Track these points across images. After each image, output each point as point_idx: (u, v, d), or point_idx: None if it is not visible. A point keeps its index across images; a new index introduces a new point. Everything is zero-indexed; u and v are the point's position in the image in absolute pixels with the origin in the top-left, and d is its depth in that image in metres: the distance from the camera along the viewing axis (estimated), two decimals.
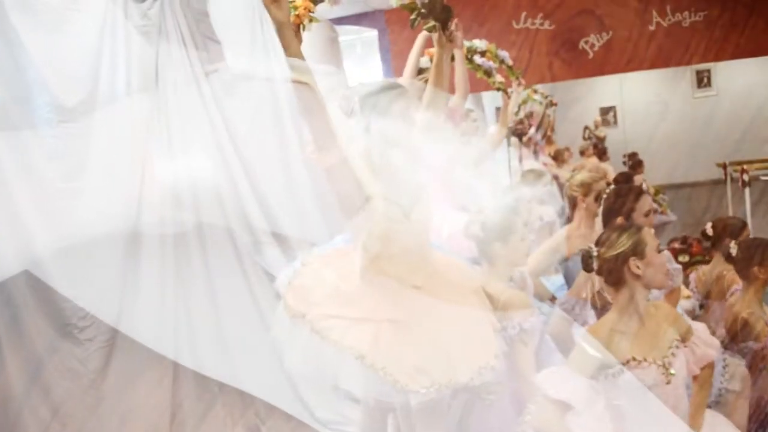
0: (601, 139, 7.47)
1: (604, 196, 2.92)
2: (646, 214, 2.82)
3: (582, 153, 7.28)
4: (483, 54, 4.51)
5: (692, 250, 5.30)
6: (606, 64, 5.46)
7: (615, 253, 2.10)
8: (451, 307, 2.28)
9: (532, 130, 6.95)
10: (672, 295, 2.90)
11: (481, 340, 2.26)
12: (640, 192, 2.86)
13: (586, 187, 3.29)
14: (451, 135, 3.46)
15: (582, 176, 3.39)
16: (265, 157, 3.30)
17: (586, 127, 7.61)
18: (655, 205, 6.61)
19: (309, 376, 2.30)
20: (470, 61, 4.35)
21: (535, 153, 6.92)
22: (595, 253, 2.15)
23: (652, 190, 6.73)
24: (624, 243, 2.11)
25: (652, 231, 2.43)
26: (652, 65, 5.52)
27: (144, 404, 2.95)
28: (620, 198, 2.85)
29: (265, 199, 3.28)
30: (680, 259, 5.07)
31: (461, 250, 2.87)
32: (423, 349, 2.15)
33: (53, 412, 2.70)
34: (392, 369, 2.10)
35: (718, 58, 5.68)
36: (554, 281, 3.69)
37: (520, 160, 5.91)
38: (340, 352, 2.13)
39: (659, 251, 2.13)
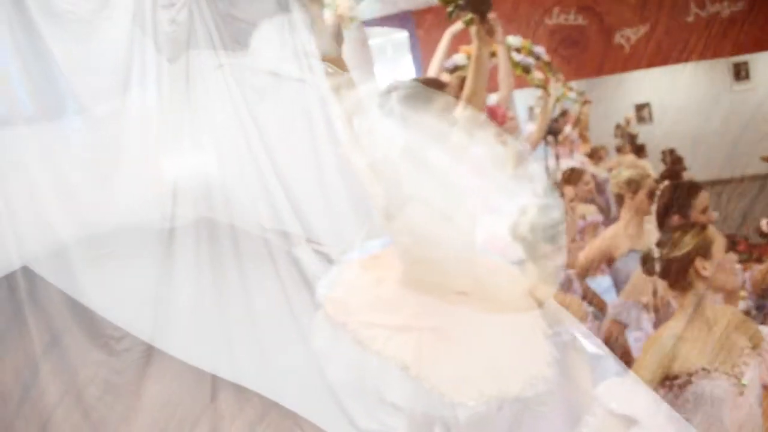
0: (634, 137, 7.21)
1: (658, 192, 2.71)
2: (704, 211, 2.60)
3: (618, 150, 7.03)
4: (518, 51, 4.31)
5: (738, 248, 5.02)
6: (642, 57, 5.18)
7: (680, 253, 1.91)
8: (499, 313, 2.11)
9: (568, 128, 6.73)
10: (731, 297, 2.68)
11: (532, 348, 2.09)
12: (696, 187, 2.65)
13: (634, 184, 3.08)
14: (490, 134, 3.30)
15: (629, 173, 3.18)
16: (297, 160, 3.17)
17: (617, 125, 7.36)
18: None
19: (351, 387, 2.15)
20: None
21: (571, 152, 6.71)
22: (657, 255, 1.95)
23: None
24: (689, 243, 1.91)
25: None
26: (690, 57, 5.24)
27: (181, 412, 2.83)
28: (676, 194, 2.64)
29: (299, 202, 3.14)
30: None
31: (496, 253, 2.70)
32: (469, 358, 1.99)
33: (86, 420, 2.59)
34: (438, 381, 1.94)
35: (759, 48, 5.38)
36: (600, 282, 3.49)
37: (557, 158, 5.70)
38: (384, 362, 1.99)
39: (728, 248, 1.93)
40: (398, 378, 1.97)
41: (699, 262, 1.89)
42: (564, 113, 7.15)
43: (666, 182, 2.76)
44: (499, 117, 3.44)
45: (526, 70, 4.27)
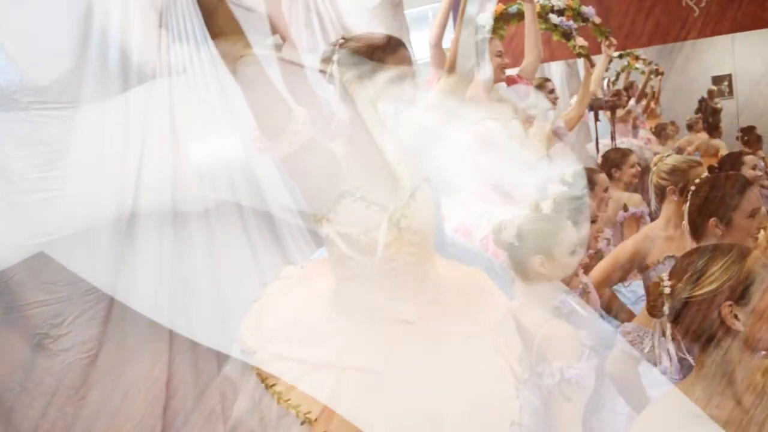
0: (717, 112, 6.20)
1: (692, 188, 1.95)
2: (752, 215, 1.83)
3: (690, 128, 6.06)
4: (561, 12, 3.52)
5: None
6: (715, 23, 4.20)
7: (701, 293, 1.22)
8: (455, 352, 1.50)
9: (632, 102, 5.84)
10: None
11: (494, 401, 1.48)
12: (745, 183, 1.87)
13: (679, 175, 2.33)
14: (488, 110, 2.63)
15: (675, 159, 2.42)
16: None
17: (702, 99, 6.34)
18: None
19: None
20: (544, 20, 3.41)
21: (635, 128, 5.82)
22: (667, 290, 1.26)
23: None
24: (716, 277, 1.21)
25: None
26: None
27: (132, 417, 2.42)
28: (716, 191, 1.87)
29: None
30: None
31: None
32: (401, 413, 1.40)
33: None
34: None
35: None
36: (636, 290, 2.78)
37: (613, 137, 4.88)
38: (284, 411, 1.44)
39: None
40: None
41: (728, 309, 1.20)
42: (630, 86, 6.25)
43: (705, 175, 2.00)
44: (521, 89, 2.75)
45: (567, 35, 3.48)
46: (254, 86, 1.37)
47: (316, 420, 1.39)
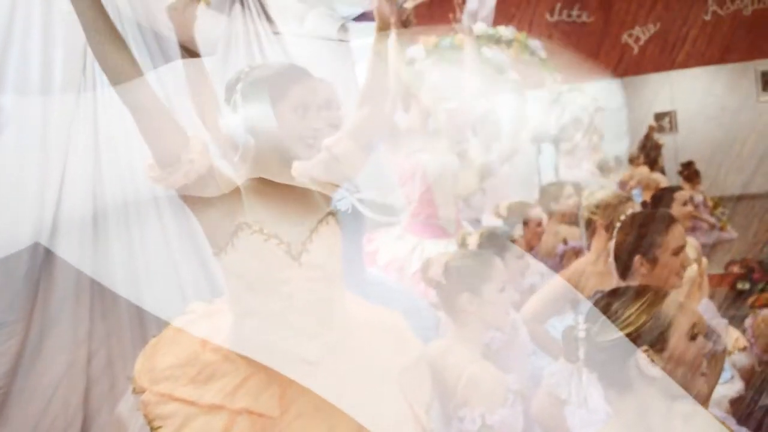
0: (659, 147, 6.31)
1: (618, 224, 1.90)
2: (676, 252, 1.78)
3: (631, 161, 6.14)
4: (509, 44, 3.47)
5: (754, 276, 4.11)
6: (653, 60, 4.27)
7: (614, 338, 1.14)
8: (356, 396, 1.39)
9: (578, 136, 5.90)
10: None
11: None
12: (670, 221, 1.83)
13: (608, 210, 2.28)
14: (422, 142, 2.57)
15: (604, 194, 2.38)
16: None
17: (646, 135, 6.46)
18: (713, 220, 5.43)
19: None
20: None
21: (579, 161, 5.87)
22: (582, 334, 1.18)
23: (710, 203, 5.56)
24: (632, 321, 1.14)
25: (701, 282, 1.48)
26: (708, 61, 4.32)
27: None
28: (640, 228, 1.82)
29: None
30: (739, 286, 3.92)
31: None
32: None
33: None
34: None
35: None
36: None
37: (556, 170, 4.88)
38: None
39: (694, 333, 1.14)
40: None
41: (643, 355, 1.12)
42: (576, 121, 6.32)
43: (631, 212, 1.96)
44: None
45: (499, 70, 3.44)
46: (145, 111, 1.25)
47: None
